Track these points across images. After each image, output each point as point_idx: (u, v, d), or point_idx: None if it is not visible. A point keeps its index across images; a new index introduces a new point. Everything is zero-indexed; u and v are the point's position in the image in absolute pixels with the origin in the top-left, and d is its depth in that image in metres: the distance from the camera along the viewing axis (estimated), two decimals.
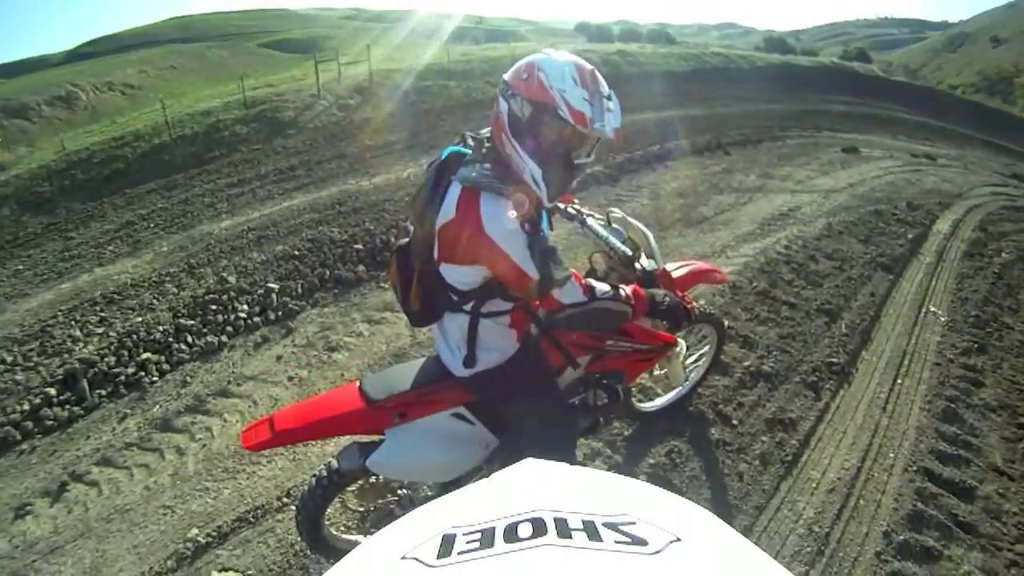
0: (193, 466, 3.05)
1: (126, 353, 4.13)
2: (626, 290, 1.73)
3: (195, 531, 2.58)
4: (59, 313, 5.14)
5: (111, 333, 4.53)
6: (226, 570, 2.36)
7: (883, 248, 5.58)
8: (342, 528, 2.32)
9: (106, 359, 4.06)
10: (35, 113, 25.43)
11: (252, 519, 2.61)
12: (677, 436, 2.93)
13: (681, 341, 2.64)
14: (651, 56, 22.09)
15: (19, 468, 3.27)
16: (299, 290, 4.82)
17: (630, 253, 2.06)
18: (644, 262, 2.08)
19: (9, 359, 4.38)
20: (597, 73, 1.52)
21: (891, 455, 2.98)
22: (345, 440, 2.29)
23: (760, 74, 23.80)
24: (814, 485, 2.76)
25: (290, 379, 3.71)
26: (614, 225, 2.27)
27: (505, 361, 1.78)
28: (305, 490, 1.96)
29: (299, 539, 2.32)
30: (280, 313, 4.53)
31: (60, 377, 3.92)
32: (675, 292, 1.96)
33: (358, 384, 1.89)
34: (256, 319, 4.46)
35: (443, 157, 1.65)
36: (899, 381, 3.60)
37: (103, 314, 4.98)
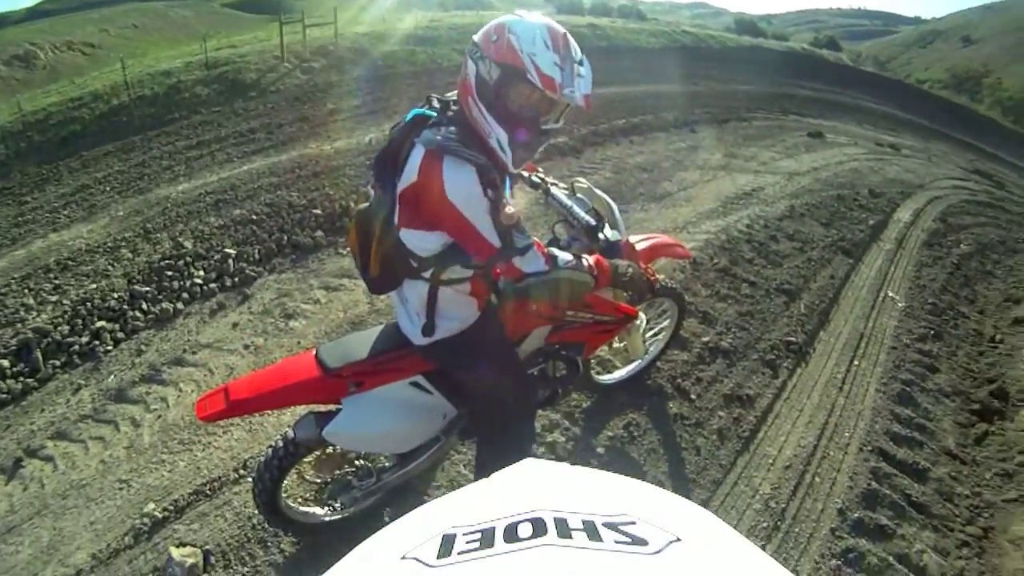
0: (148, 438, 2.99)
1: (80, 322, 4.01)
2: (588, 260, 1.73)
3: (152, 505, 2.53)
4: (12, 281, 4.93)
5: (65, 301, 4.38)
6: (183, 545, 2.33)
7: (844, 232, 5.71)
8: (299, 500, 2.29)
9: (60, 328, 3.94)
10: None
11: (209, 492, 2.58)
12: (635, 409, 2.97)
13: (642, 314, 2.66)
14: (621, 31, 21.96)
15: None
16: (256, 256, 4.73)
17: (593, 223, 2.05)
18: (607, 232, 2.08)
19: None
20: (570, 37, 1.48)
21: (847, 434, 3.07)
22: (302, 410, 2.26)
23: (730, 55, 23.90)
24: (771, 461, 2.83)
25: (246, 347, 3.65)
26: (578, 195, 2.26)
27: (464, 330, 1.76)
28: (261, 461, 1.93)
29: (256, 512, 2.28)
30: (237, 279, 4.43)
31: (13, 348, 3.80)
32: (639, 264, 1.96)
33: (314, 352, 1.86)
34: (212, 285, 4.36)
35: (408, 119, 1.60)
36: (856, 363, 3.70)
37: (57, 281, 4.80)
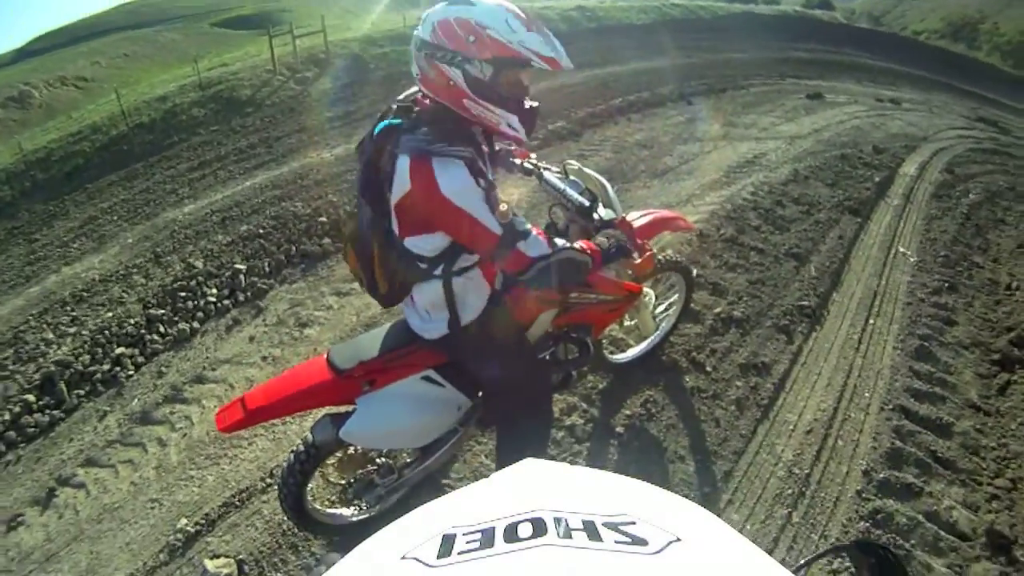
0: (176, 456, 3.04)
1: (100, 350, 4.09)
2: (580, 243, 1.74)
3: (184, 521, 2.59)
4: (30, 318, 5.03)
5: (83, 332, 4.47)
6: (217, 556, 2.38)
7: (850, 192, 5.63)
8: (326, 503, 2.32)
9: (81, 358, 4.02)
10: None
11: (238, 503, 2.62)
12: (652, 386, 2.97)
13: (648, 290, 2.65)
14: (610, 10, 21.70)
15: (7, 480, 3.25)
16: (266, 268, 4.79)
17: (587, 203, 2.05)
18: (602, 212, 2.08)
19: None
20: (525, 9, 1.51)
21: (867, 395, 3.04)
22: (320, 414, 2.28)
23: (721, 24, 23.53)
24: (791, 427, 2.81)
25: (264, 359, 3.70)
26: (571, 177, 2.26)
27: (470, 321, 1.78)
28: (284, 468, 1.96)
29: (286, 518, 2.32)
30: (249, 294, 4.49)
31: (37, 382, 3.89)
32: (633, 239, 1.96)
33: (326, 356, 1.88)
34: (226, 302, 4.42)
35: (377, 131, 1.62)
36: (871, 321, 3.66)
37: (74, 313, 4.90)
